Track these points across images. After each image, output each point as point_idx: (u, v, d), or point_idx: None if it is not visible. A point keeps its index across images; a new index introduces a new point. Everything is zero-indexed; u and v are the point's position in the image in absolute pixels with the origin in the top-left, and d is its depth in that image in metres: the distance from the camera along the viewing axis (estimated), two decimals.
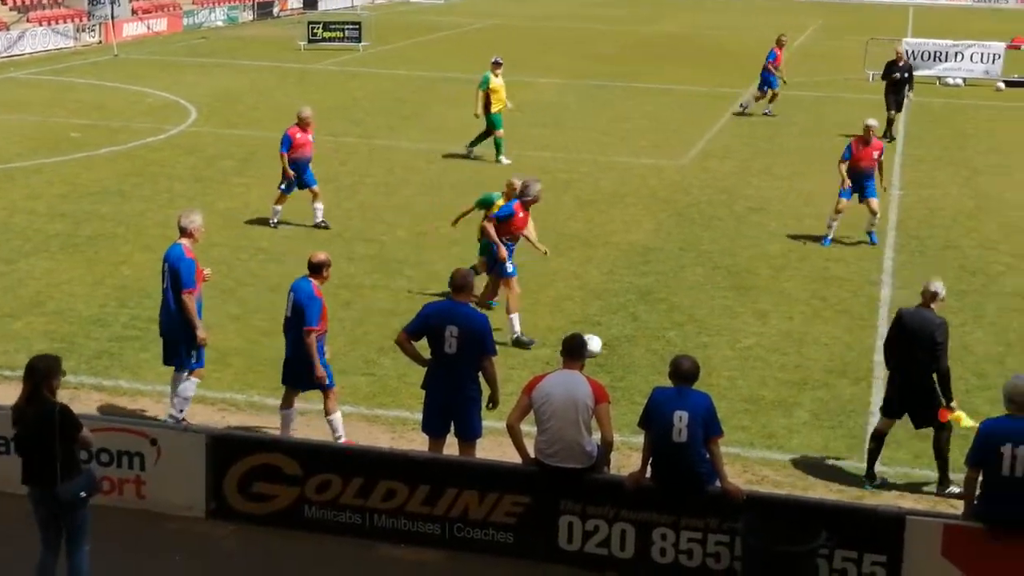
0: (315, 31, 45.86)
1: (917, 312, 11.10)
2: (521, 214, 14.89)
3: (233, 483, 10.21)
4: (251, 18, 57.90)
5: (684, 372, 9.39)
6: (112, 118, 29.41)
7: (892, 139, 27.87)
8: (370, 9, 66.36)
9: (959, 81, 38.66)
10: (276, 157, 19.78)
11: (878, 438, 11.36)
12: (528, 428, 9.96)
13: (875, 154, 19.27)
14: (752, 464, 11.66)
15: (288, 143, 19.12)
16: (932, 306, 11.09)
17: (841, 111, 33.11)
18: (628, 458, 11.10)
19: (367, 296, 16.44)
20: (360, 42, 45.72)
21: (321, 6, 63.29)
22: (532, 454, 9.81)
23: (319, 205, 19.63)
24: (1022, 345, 15.00)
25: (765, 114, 31.58)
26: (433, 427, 10.71)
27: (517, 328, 14.64)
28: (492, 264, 15.06)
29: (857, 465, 11.69)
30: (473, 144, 25.46)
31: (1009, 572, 8.93)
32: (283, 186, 19.40)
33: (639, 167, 25.06)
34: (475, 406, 10.58)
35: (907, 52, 39.77)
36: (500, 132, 25.09)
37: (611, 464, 10.09)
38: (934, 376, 10.97)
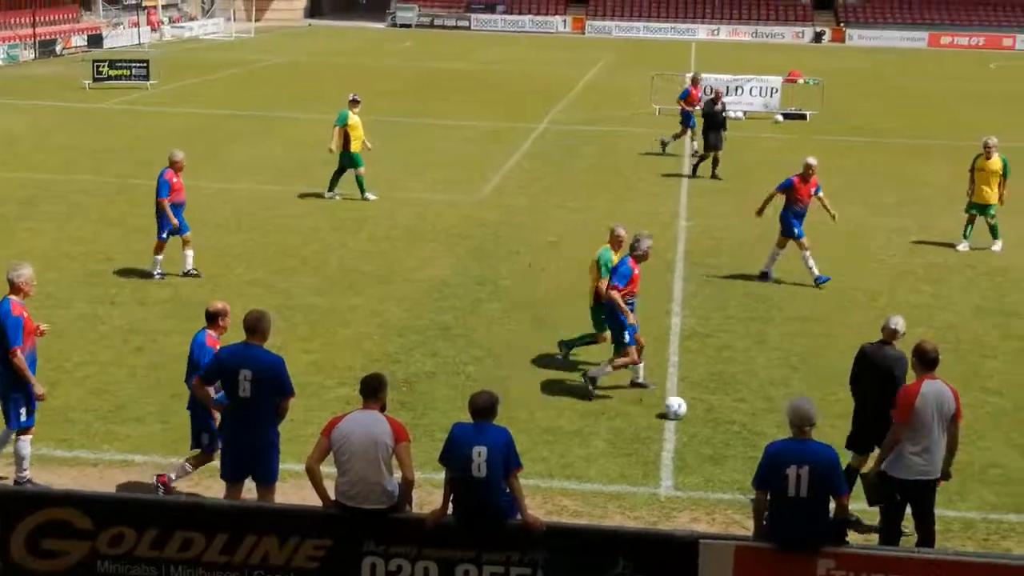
0: (100, 69, 44.71)
1: (879, 348, 11.38)
2: (637, 271, 14.52)
3: (20, 541, 9.81)
4: (33, 56, 56.09)
5: (481, 407, 9.49)
6: None
7: (718, 178, 28.50)
8: (157, 47, 65.12)
9: (740, 114, 40.09)
10: (62, 198, 19.20)
11: (854, 474, 11.41)
12: (329, 470, 9.89)
13: (813, 191, 19.59)
14: (552, 495, 11.83)
15: (167, 188, 18.45)
16: (893, 342, 11.40)
17: (629, 144, 34.02)
18: (430, 495, 11.13)
19: (161, 341, 16.07)
20: (148, 80, 44.80)
21: (107, 44, 61.73)
22: (333, 496, 9.75)
23: (190, 252, 18.92)
24: (806, 368, 15.62)
25: (694, 154, 31.67)
26: (231, 472, 10.55)
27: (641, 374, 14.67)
28: (615, 328, 14.44)
29: (652, 491, 11.98)
30: (332, 186, 25.17)
31: None
32: (163, 234, 18.62)
33: (435, 203, 25.22)
34: (273, 450, 10.46)
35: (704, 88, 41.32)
36: (361, 170, 24.99)
37: (413, 502, 10.09)
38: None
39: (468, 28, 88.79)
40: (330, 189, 25.20)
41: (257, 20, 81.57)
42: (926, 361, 10.27)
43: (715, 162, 28.96)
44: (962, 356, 16.19)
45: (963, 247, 22.19)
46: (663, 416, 13.80)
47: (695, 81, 33.50)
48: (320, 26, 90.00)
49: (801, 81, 45.25)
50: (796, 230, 19.46)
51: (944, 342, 16.61)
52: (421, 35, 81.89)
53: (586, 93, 47.77)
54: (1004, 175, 22.12)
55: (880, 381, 11.01)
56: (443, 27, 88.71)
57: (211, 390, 10.68)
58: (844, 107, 43.27)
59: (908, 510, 10.39)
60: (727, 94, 40.54)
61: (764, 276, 19.72)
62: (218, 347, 11.00)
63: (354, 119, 24.90)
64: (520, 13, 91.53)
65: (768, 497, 9.32)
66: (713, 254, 21.50)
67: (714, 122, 29.03)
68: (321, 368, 15.12)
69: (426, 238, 22.20)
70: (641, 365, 14.65)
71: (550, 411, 13.98)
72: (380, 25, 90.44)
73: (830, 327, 17.37)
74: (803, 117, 40.17)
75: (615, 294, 14.17)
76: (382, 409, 9.78)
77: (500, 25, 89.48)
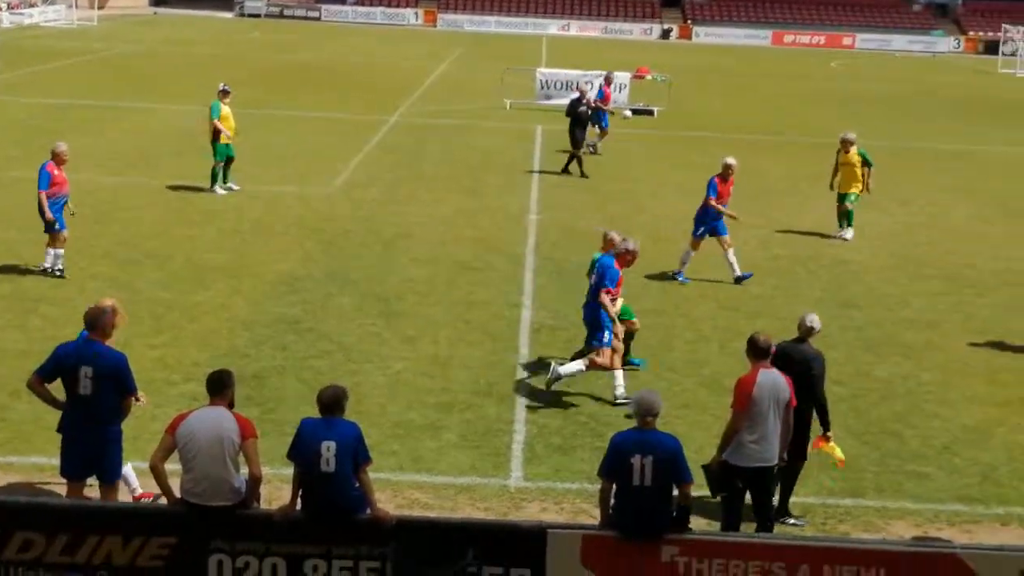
0: None
1: (794, 346, 11.52)
2: (622, 273, 14.48)
3: None
4: None
5: (329, 402, 9.45)
6: None
7: (585, 176, 28.44)
8: None
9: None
10: None
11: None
12: (174, 467, 9.74)
13: (731, 190, 19.93)
14: (403, 488, 11.83)
15: (47, 180, 17.86)
16: (810, 339, 11.55)
17: (479, 138, 34.16)
18: (279, 491, 11.02)
19: None
20: None
21: None
22: (178, 494, 9.60)
23: (60, 251, 18.24)
24: (654, 360, 15.87)
25: (592, 150, 31.75)
26: (72, 470, 10.30)
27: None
28: (595, 327, 14.22)
29: (502, 482, 12.08)
30: (224, 179, 24.96)
31: None
32: (56, 226, 17.97)
33: (285, 196, 24.95)
34: (115, 447, 10.25)
35: (541, 82, 41.63)
36: (219, 163, 24.65)
37: (261, 498, 10.00)
38: (810, 407, 11.37)
39: (318, 19, 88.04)
40: (224, 182, 25.01)
41: (100, 8, 79.48)
42: (759, 351, 10.58)
43: (579, 160, 28.97)
44: None
45: (848, 235, 23.38)
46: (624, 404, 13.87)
47: (608, 80, 33.55)
48: (166, 14, 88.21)
49: (649, 77, 46.01)
50: (720, 228, 19.79)
51: (788, 333, 17.07)
52: (270, 25, 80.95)
53: (438, 86, 47.78)
54: (867, 165, 23.39)
55: (798, 378, 11.18)
56: (292, 17, 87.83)
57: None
58: (691, 104, 44.10)
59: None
60: (577, 89, 41.07)
61: (677, 276, 19.84)
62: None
63: (225, 110, 24.66)
64: (371, 5, 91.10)
65: (613, 487, 9.48)
66: (563, 247, 21.72)
67: (580, 120, 29.11)
68: (167, 364, 14.85)
69: (275, 231, 21.95)
70: (620, 375, 14.29)
71: (401, 404, 13.97)
72: (228, 15, 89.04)
73: (676, 319, 17.72)
74: (651, 113, 40.84)
75: (605, 298, 14.15)
76: (229, 406, 9.66)
77: (351, 17, 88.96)
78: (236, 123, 25.07)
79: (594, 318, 14.30)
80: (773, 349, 10.73)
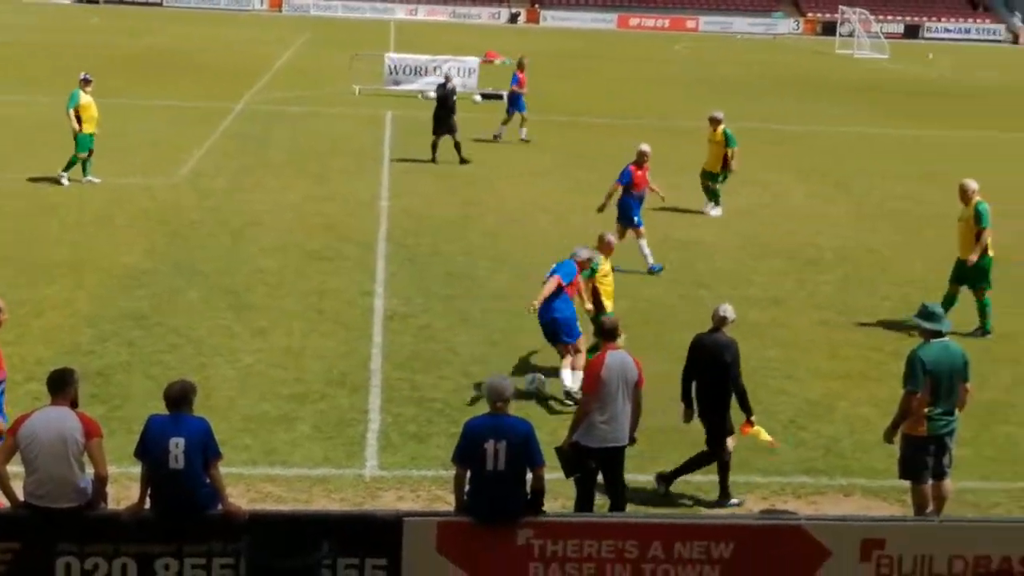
0: None
1: (709, 336, 11.65)
2: (579, 276, 14.47)
3: None
4: None
5: (176, 397, 9.30)
6: None
7: (464, 161, 28.26)
8: None
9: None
10: None
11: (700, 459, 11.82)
12: (17, 469, 9.46)
13: (648, 176, 20.07)
14: (255, 482, 11.69)
15: None
16: (723, 329, 11.66)
17: (328, 124, 33.87)
18: (128, 490, 10.79)
19: None
20: None
21: None
22: (22, 497, 9.33)
23: None
24: (507, 344, 15.97)
25: (523, 140, 31.64)
26: None
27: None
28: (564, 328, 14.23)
29: (357, 472, 12.02)
30: (85, 170, 24.35)
31: (497, 561, 9.52)
32: None
33: (129, 187, 24.38)
34: None
35: (389, 67, 41.41)
36: (83, 155, 24.03)
37: (108, 498, 9.78)
38: (728, 394, 11.56)
39: (160, 5, 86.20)
40: (84, 174, 24.38)
41: None
42: (607, 333, 10.80)
43: (457, 146, 28.49)
44: (654, 326, 16.94)
45: (715, 212, 24.27)
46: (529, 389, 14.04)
47: (521, 65, 33.23)
48: None
49: (498, 62, 46.17)
50: (635, 218, 19.92)
51: (639, 313, 17.41)
52: (110, 11, 78.95)
53: (284, 73, 47.19)
54: (730, 145, 24.04)
55: (714, 367, 11.49)
56: (134, 3, 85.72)
57: None
58: (540, 88, 44.11)
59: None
60: (426, 74, 41.03)
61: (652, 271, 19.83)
62: None
63: (86, 99, 24.02)
64: None
65: (468, 472, 9.53)
66: (414, 234, 21.67)
67: (445, 105, 28.73)
68: (8, 362, 14.35)
69: (119, 224, 21.44)
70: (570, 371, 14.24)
71: (253, 397, 13.80)
72: (66, 0, 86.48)
73: (527, 303, 17.77)
74: (500, 97, 40.89)
75: (551, 283, 14.18)
76: (73, 404, 9.43)
77: (194, 2, 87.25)
78: (95, 113, 24.28)
79: (553, 319, 14.26)
80: (619, 330, 10.91)
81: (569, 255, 14.77)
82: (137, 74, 43.01)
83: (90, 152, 24.35)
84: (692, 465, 11.85)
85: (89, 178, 24.44)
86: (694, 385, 11.79)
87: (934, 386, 10.75)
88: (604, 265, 15.00)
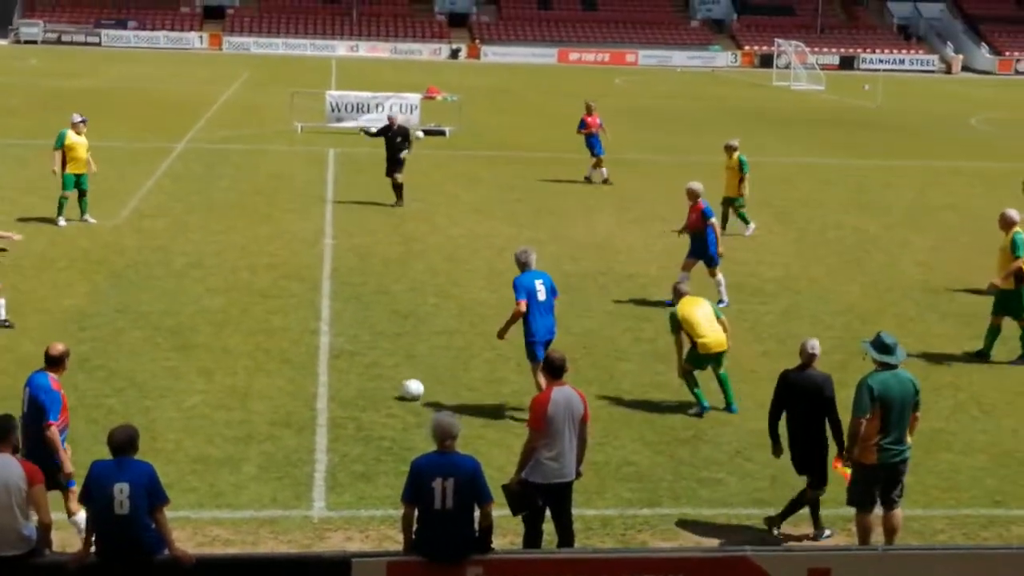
0: None
1: (801, 373, 11.64)
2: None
3: None
4: None
5: (121, 442, 9.26)
6: None
7: (399, 203, 27.75)
8: None
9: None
10: None
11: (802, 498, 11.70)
12: None
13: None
14: (203, 525, 11.61)
15: None
16: (814, 364, 11.68)
17: (270, 163, 33.82)
18: (73, 537, 10.69)
19: None
20: None
21: None
22: None
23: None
24: (451, 380, 16.00)
25: (604, 181, 31.41)
26: None
27: None
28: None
29: (304, 513, 11.97)
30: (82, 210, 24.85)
31: None
32: None
33: (69, 228, 24.17)
34: None
35: (331, 104, 41.40)
36: (65, 193, 24.36)
37: (52, 545, 9.69)
38: (825, 429, 11.54)
39: (99, 44, 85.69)
40: (82, 214, 24.79)
41: None
42: (554, 369, 10.83)
43: (395, 187, 28.03)
44: (597, 360, 17.04)
45: (751, 230, 25.84)
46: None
47: (589, 109, 32.64)
48: None
49: (439, 98, 46.33)
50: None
51: (581, 347, 17.50)
52: (48, 52, 78.39)
53: (226, 111, 47.08)
54: (742, 171, 25.40)
55: (811, 404, 11.50)
56: (72, 43, 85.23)
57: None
58: (481, 122, 44.58)
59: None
60: (367, 111, 41.06)
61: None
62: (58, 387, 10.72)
63: (74, 139, 24.49)
64: (154, 29, 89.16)
65: (416, 511, 9.53)
66: (359, 272, 21.66)
67: (389, 145, 28.19)
68: None
69: (59, 265, 21.26)
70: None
71: (198, 439, 13.71)
72: (2, 41, 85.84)
73: (472, 339, 17.85)
74: (443, 133, 41.10)
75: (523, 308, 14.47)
76: (14, 451, 9.34)
77: (133, 41, 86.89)
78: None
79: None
80: (566, 367, 10.95)
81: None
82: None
83: (83, 192, 24.69)
84: (797, 505, 11.82)
85: (86, 218, 24.73)
86: (783, 421, 11.81)
87: (884, 415, 10.84)
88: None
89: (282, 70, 67.42)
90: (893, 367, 11.05)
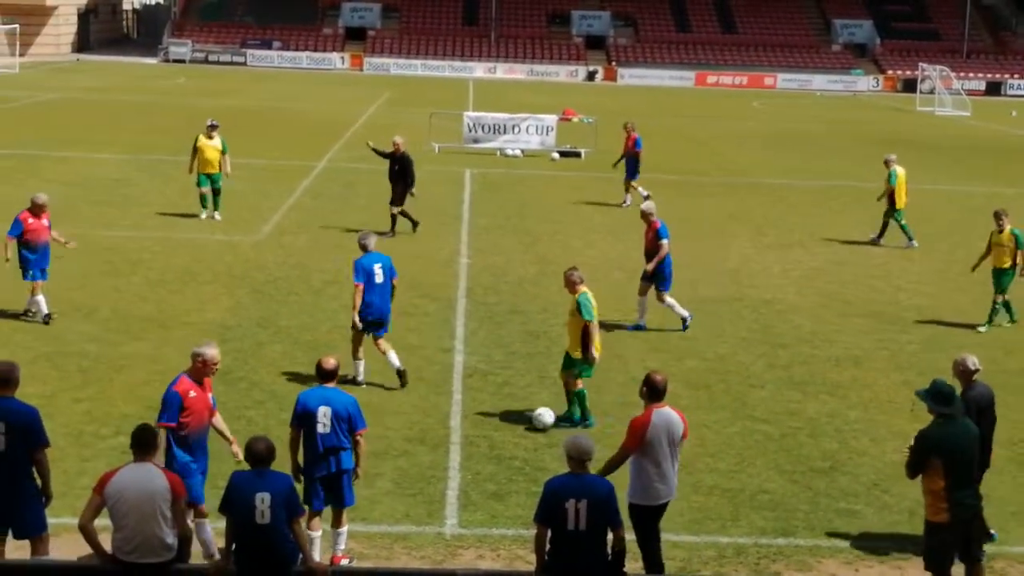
0: None
1: (974, 390, 11.65)
2: None
3: None
4: None
5: (258, 455, 9.42)
6: None
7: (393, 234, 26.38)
8: None
9: (518, 152, 40.83)
10: None
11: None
12: (104, 522, 9.61)
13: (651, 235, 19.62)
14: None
15: (18, 227, 18.34)
16: (976, 379, 11.74)
17: None
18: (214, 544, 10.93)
19: None
20: None
21: None
22: (110, 550, 9.48)
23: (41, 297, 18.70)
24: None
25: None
26: None
27: None
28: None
29: (437, 530, 12.05)
30: (214, 207, 27.28)
31: None
32: (30, 274, 18.47)
33: (212, 243, 24.81)
34: (34, 501, 10.18)
35: (468, 125, 41.71)
36: (203, 190, 27.00)
37: (190, 555, 9.90)
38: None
39: (244, 64, 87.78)
40: (214, 208, 27.34)
41: (21, 55, 78.71)
42: (655, 392, 10.79)
43: (392, 217, 26.56)
44: (730, 387, 16.85)
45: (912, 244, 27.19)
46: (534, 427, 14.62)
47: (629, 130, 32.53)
48: (89, 61, 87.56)
49: (576, 119, 46.38)
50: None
51: (714, 373, 17.34)
52: (195, 71, 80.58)
53: (365, 131, 47.80)
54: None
55: (985, 417, 11.53)
56: (218, 63, 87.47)
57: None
58: (617, 145, 44.30)
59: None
60: (504, 132, 41.36)
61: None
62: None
63: (203, 143, 26.95)
64: (297, 49, 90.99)
65: (549, 532, 9.52)
66: (494, 291, 21.79)
67: (392, 174, 26.56)
68: (95, 417, 14.68)
69: (203, 280, 21.81)
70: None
71: None
72: (152, 60, 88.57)
73: (604, 361, 17.69)
74: (578, 155, 41.15)
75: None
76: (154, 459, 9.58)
77: (277, 62, 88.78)
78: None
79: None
80: (667, 388, 10.92)
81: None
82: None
83: (216, 191, 27.12)
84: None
85: (215, 215, 27.22)
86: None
87: (949, 469, 10.23)
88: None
89: (421, 91, 68.25)
90: (952, 417, 10.51)
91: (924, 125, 62.43)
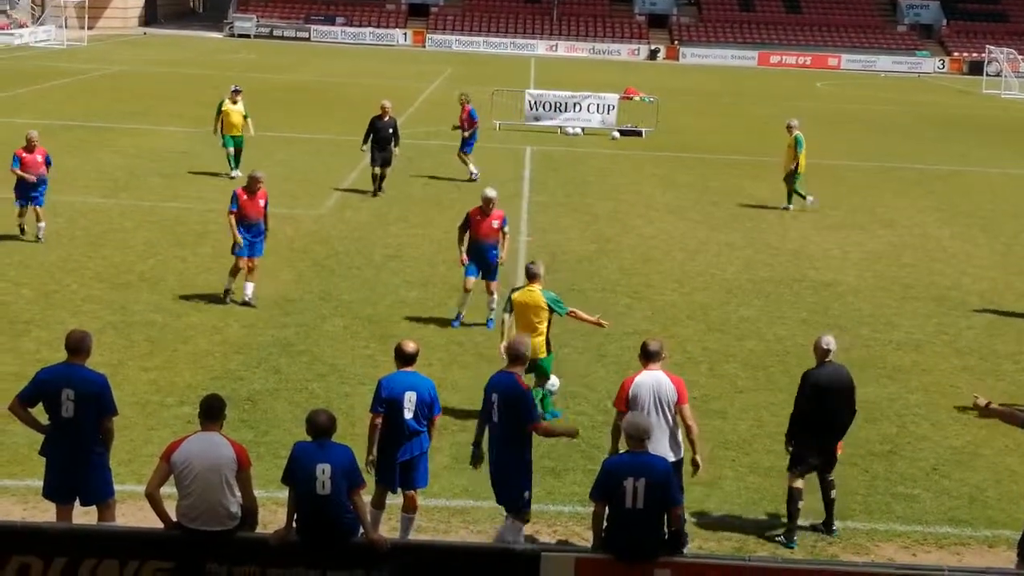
0: None
1: (823, 369, 11.78)
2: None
3: None
4: None
5: (320, 426, 9.55)
6: None
7: (377, 193, 27.74)
8: None
9: (578, 130, 40.75)
10: None
11: (798, 495, 11.69)
12: (169, 489, 9.81)
13: (495, 223, 18.53)
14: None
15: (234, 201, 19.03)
16: (830, 359, 11.83)
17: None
18: (274, 514, 11.11)
19: None
20: None
21: None
22: (175, 517, 9.68)
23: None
24: None
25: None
26: (55, 494, 10.44)
27: None
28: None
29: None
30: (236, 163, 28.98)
31: None
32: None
33: (275, 217, 24.75)
34: (102, 469, 10.39)
35: (530, 103, 41.66)
36: (229, 150, 28.98)
37: (256, 522, 10.08)
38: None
39: (308, 39, 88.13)
40: (235, 166, 29.04)
41: (90, 28, 79.56)
42: (645, 353, 11.09)
43: (374, 178, 28.00)
44: (789, 368, 16.79)
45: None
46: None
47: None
48: (155, 35, 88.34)
49: (637, 98, 46.20)
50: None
51: (773, 354, 17.32)
52: (260, 45, 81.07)
53: (427, 107, 47.96)
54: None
55: (837, 399, 11.70)
56: (282, 38, 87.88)
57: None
58: (678, 124, 44.31)
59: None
60: (565, 110, 41.31)
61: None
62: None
63: (228, 106, 28.85)
64: (361, 25, 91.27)
65: (606, 509, 9.60)
66: (552, 270, 21.75)
67: (377, 137, 28.00)
68: (160, 387, 14.94)
69: (266, 253, 21.97)
70: None
71: None
72: (217, 34, 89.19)
73: (665, 341, 17.75)
74: (639, 134, 41.02)
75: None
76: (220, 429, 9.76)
77: (340, 37, 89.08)
78: (236, 119, 28.70)
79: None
80: (664, 354, 11.15)
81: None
82: (284, 107, 44.13)
83: (238, 151, 29.05)
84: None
85: (235, 172, 28.53)
86: None
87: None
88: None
89: (482, 68, 68.26)
90: None
91: (990, 108, 61.56)
